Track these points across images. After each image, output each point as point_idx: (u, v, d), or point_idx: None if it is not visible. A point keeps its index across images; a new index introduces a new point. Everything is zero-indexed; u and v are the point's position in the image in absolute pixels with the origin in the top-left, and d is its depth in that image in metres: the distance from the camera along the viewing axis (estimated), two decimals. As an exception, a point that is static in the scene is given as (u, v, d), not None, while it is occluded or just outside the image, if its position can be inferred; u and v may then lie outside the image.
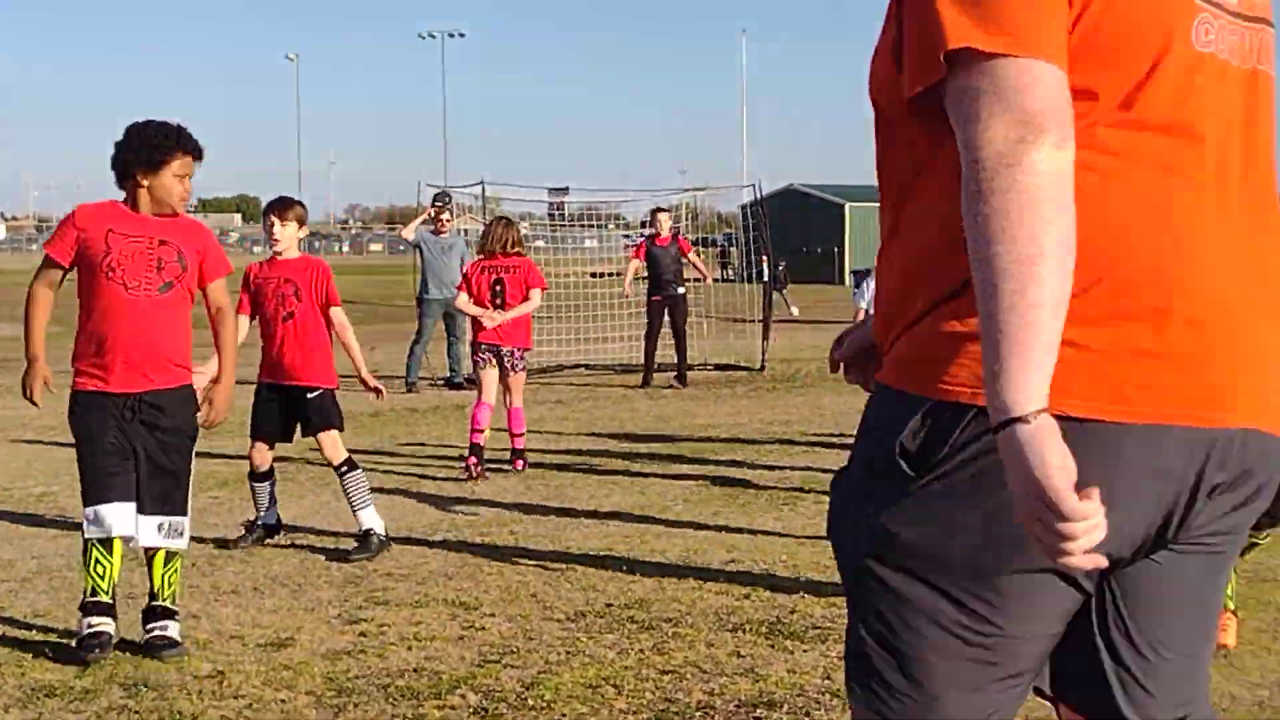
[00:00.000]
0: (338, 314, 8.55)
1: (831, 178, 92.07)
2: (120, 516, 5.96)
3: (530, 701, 5.35)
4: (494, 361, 11.46)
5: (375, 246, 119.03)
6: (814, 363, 23.49)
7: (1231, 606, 6.01)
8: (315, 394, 8.37)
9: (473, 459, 11.03)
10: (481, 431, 11.17)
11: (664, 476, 11.10)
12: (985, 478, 2.14)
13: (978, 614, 2.24)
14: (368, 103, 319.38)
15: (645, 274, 19.62)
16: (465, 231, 22.31)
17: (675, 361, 19.41)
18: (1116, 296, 2.13)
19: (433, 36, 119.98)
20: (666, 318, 18.97)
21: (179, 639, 6.15)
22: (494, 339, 11.41)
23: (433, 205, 19.15)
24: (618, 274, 27.21)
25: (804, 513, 9.36)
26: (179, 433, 6.15)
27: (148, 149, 6.06)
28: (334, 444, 8.40)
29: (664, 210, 20.26)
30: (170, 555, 6.28)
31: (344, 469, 8.28)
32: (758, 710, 5.24)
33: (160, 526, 6.13)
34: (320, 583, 7.41)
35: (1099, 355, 2.13)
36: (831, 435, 13.64)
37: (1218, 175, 2.23)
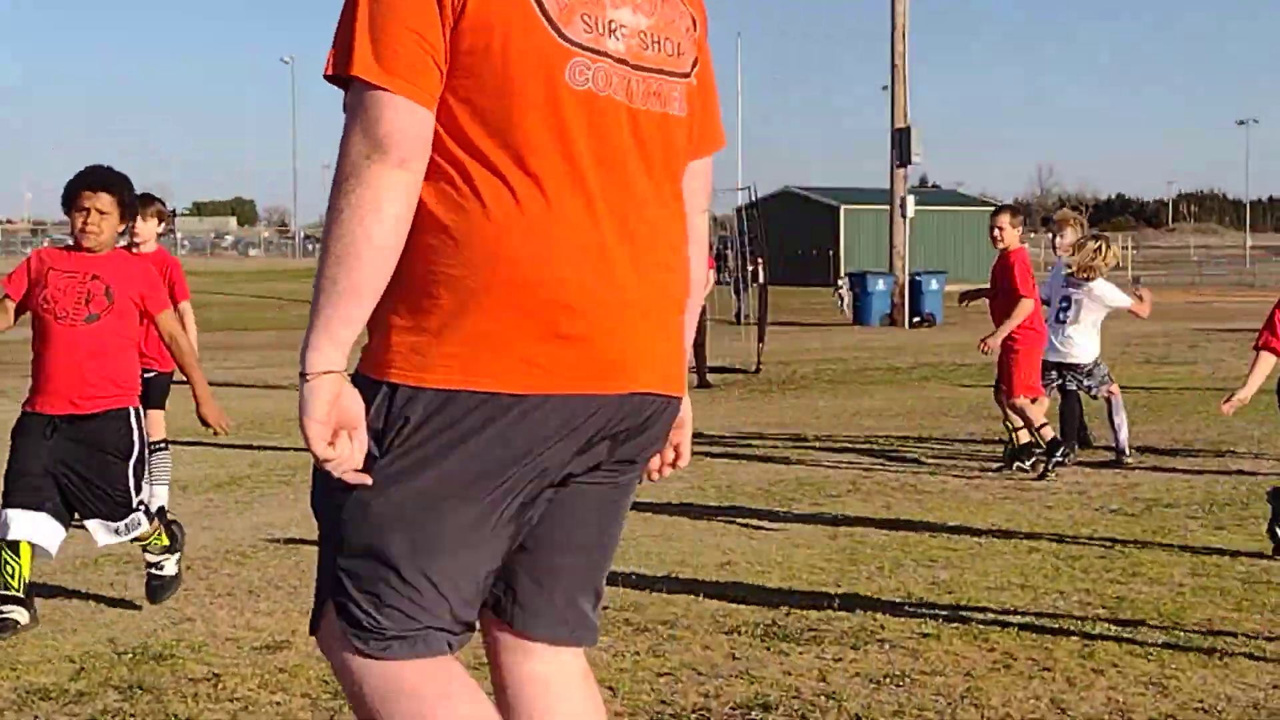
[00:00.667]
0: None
1: (827, 180, 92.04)
2: (22, 522, 6.27)
3: (526, 704, 5.34)
4: None
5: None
6: (809, 364, 23.51)
7: None
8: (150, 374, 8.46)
9: None
10: None
11: (658, 479, 11.08)
12: (419, 443, 2.68)
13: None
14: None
15: None
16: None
17: (694, 366, 19.56)
18: (514, 294, 2.62)
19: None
20: None
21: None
22: None
23: None
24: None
25: (799, 515, 9.37)
26: (103, 451, 6.46)
27: (64, 192, 6.56)
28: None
29: None
30: (141, 540, 6.70)
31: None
32: (753, 712, 5.24)
33: (109, 528, 6.53)
34: (315, 585, 7.39)
35: (504, 340, 2.63)
36: (826, 437, 13.65)
37: (600, 191, 2.69)
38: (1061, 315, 11.64)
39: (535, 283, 2.63)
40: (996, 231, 11.41)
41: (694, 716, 5.21)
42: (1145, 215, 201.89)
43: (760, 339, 22.43)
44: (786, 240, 59.54)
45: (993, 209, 11.74)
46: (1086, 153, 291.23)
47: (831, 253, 65.26)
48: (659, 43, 2.83)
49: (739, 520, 9.19)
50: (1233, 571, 7.49)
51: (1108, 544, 8.24)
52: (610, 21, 2.72)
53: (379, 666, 2.76)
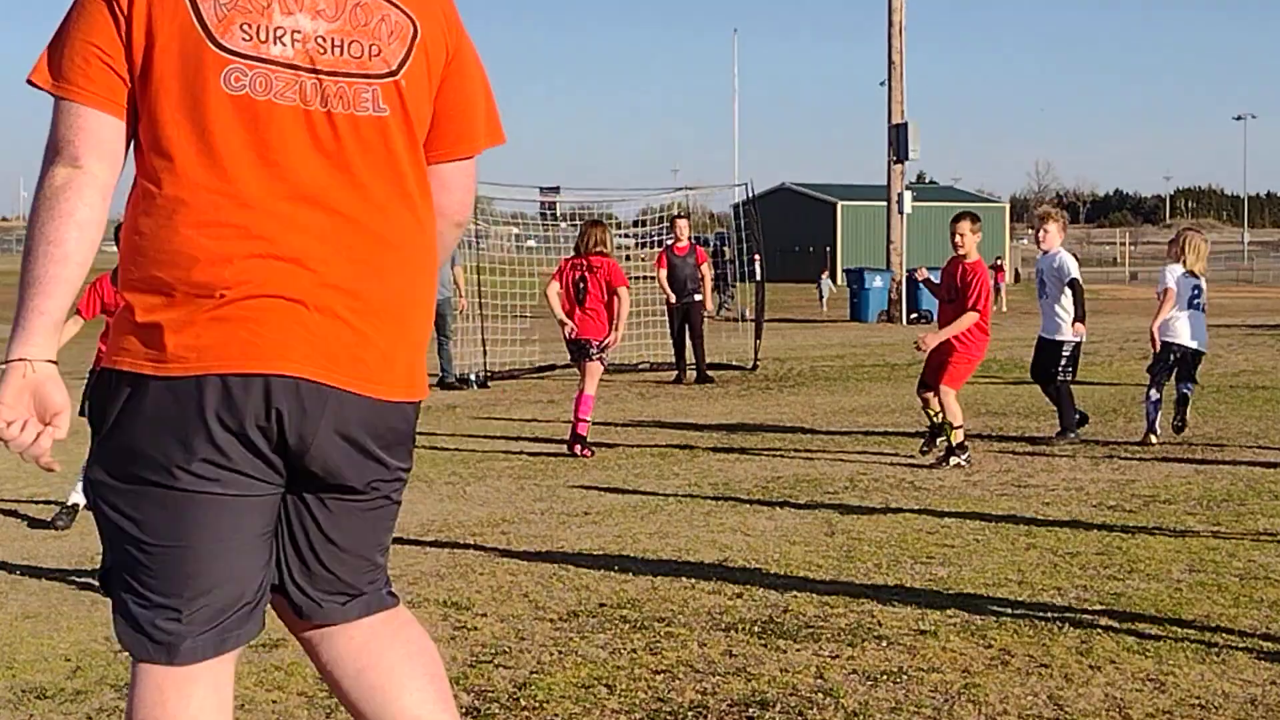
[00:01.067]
0: None
1: (824, 177, 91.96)
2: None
3: (522, 702, 5.34)
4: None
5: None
6: (806, 361, 23.51)
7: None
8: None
9: (578, 445, 12.32)
10: (585, 421, 12.35)
11: (656, 475, 11.10)
12: (121, 424, 2.88)
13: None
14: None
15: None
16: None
17: (694, 362, 19.77)
18: (175, 283, 2.81)
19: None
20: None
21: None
22: (578, 335, 12.52)
23: None
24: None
25: (795, 511, 9.36)
26: None
27: None
28: None
29: (683, 218, 20.63)
30: None
31: None
32: (750, 710, 5.23)
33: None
34: (312, 583, 7.39)
35: (171, 325, 2.82)
36: (823, 433, 13.64)
37: (261, 187, 2.86)
38: (1195, 302, 12.63)
39: (193, 272, 2.83)
40: (958, 238, 11.67)
41: (691, 714, 5.20)
42: (1143, 211, 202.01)
43: (757, 335, 22.43)
44: (784, 237, 59.56)
45: (958, 214, 11.96)
46: (1084, 148, 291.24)
47: (828, 249, 65.29)
48: (342, 47, 2.95)
49: (736, 517, 9.19)
50: (1230, 568, 7.48)
51: (1105, 540, 8.23)
52: (277, 29, 2.89)
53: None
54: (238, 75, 2.85)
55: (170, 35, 2.84)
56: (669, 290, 19.73)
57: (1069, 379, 12.97)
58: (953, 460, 11.38)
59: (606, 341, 12.48)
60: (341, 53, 2.95)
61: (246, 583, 3.04)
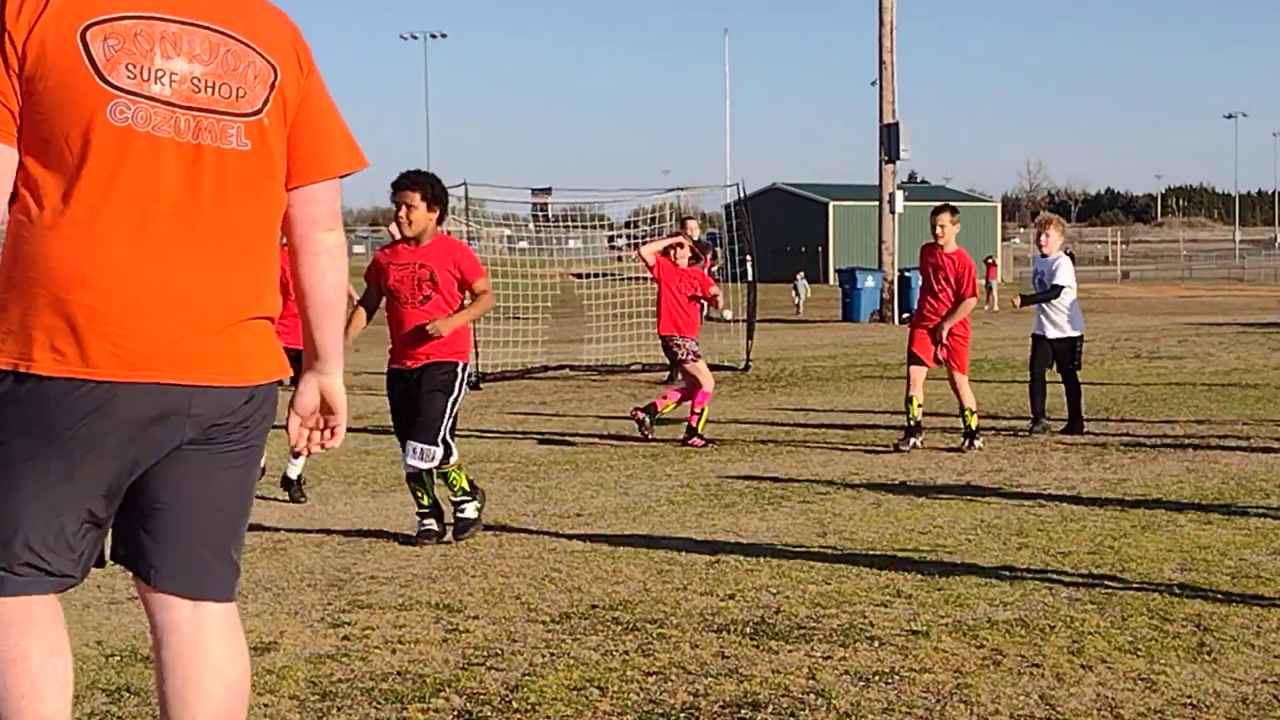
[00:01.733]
0: None
1: (815, 177, 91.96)
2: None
3: (515, 704, 5.33)
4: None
5: (358, 248, 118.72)
6: (798, 362, 23.51)
7: None
8: None
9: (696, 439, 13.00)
10: (698, 414, 13.18)
11: (648, 477, 11.10)
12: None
13: None
14: (350, 103, 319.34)
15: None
16: (447, 232, 22.29)
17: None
18: (45, 292, 3.18)
19: (414, 37, 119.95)
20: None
21: (474, 516, 8.70)
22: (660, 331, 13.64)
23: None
24: (601, 274, 27.19)
25: (788, 512, 9.36)
26: (433, 390, 8.60)
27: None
28: None
29: (691, 218, 20.67)
30: (441, 472, 8.69)
31: None
32: (742, 711, 5.23)
33: (414, 450, 8.53)
34: (304, 586, 7.38)
35: (42, 330, 3.19)
36: (815, 434, 13.64)
37: (132, 209, 3.23)
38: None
39: (62, 285, 3.20)
40: (939, 229, 12.49)
41: (683, 715, 5.19)
42: (1134, 210, 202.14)
43: (749, 336, 22.44)
44: (775, 237, 59.54)
45: (939, 206, 13.07)
46: (1076, 147, 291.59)
47: (820, 249, 65.31)
48: (214, 87, 3.36)
49: (728, 518, 9.19)
50: (1222, 566, 7.49)
51: (1097, 539, 8.24)
52: (157, 70, 3.28)
53: None
54: (122, 109, 3.24)
55: (63, 70, 3.20)
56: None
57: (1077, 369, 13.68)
58: (976, 443, 12.32)
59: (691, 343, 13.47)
60: (213, 93, 3.36)
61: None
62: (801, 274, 47.53)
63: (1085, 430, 13.33)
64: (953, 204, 13.15)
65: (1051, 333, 13.56)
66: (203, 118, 3.33)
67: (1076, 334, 13.57)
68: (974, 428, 12.41)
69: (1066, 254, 13.61)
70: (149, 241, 3.26)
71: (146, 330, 3.27)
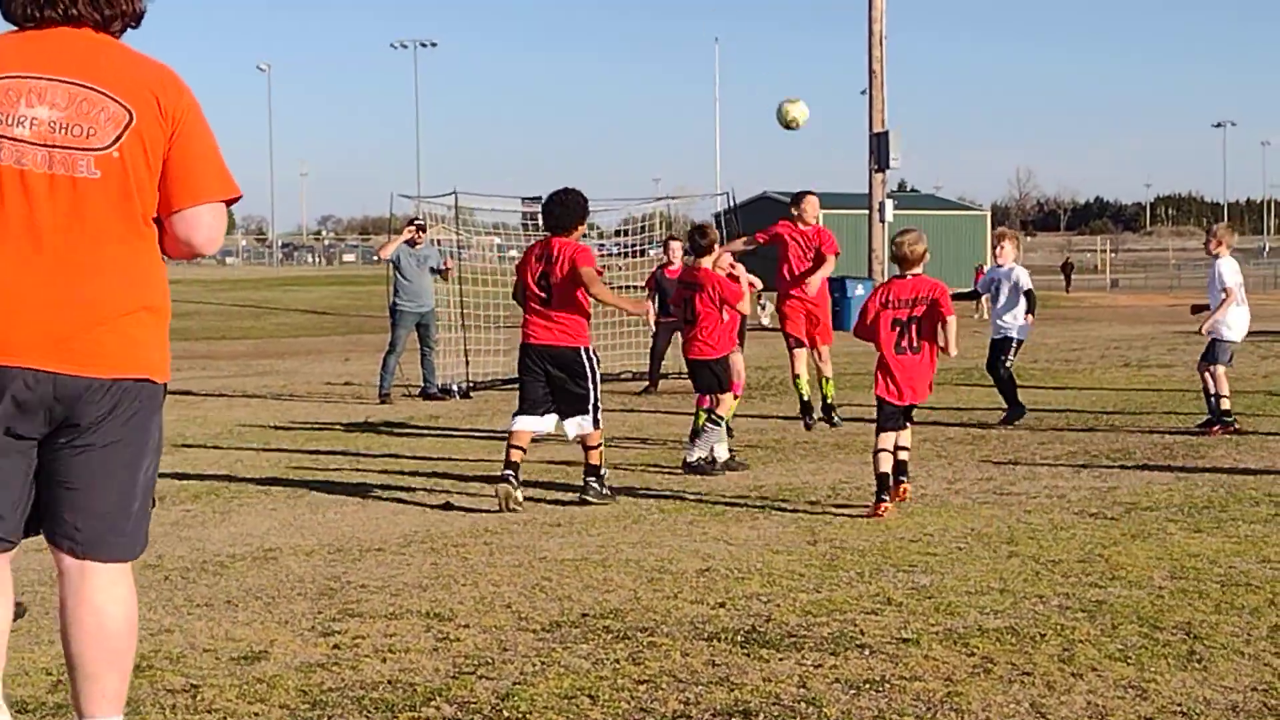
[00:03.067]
0: None
1: (805, 185, 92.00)
2: (529, 422, 10.47)
3: (505, 713, 5.33)
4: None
5: (349, 257, 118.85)
6: (787, 369, 23.49)
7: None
8: None
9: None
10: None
11: (638, 485, 11.10)
12: None
13: None
14: (341, 113, 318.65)
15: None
16: (438, 242, 22.32)
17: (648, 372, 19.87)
18: None
19: (405, 46, 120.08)
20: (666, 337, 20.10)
21: (597, 493, 10.28)
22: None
23: (410, 226, 19.50)
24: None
25: (778, 520, 9.36)
26: (570, 369, 10.39)
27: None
28: None
29: (676, 239, 20.76)
30: (588, 443, 10.42)
31: None
32: (733, 719, 5.23)
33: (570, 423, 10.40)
34: (294, 595, 7.38)
35: None
36: (805, 442, 13.65)
37: (21, 233, 4.11)
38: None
39: None
40: (805, 209, 14.92)
41: (674, 724, 5.19)
42: (1124, 218, 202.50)
43: (740, 345, 22.41)
44: (766, 246, 59.48)
45: (804, 194, 13.81)
46: (1065, 156, 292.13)
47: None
48: (68, 129, 4.18)
49: (718, 526, 9.19)
50: (1211, 574, 7.50)
51: (1087, 547, 8.25)
52: (21, 116, 4.16)
53: None
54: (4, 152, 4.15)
55: None
56: (653, 310, 19.86)
57: (1010, 367, 15.33)
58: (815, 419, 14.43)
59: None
60: (66, 133, 4.18)
61: None
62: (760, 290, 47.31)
63: (1027, 412, 15.00)
64: (814, 191, 15.44)
65: (996, 335, 15.39)
66: (55, 152, 4.16)
67: (1018, 337, 15.32)
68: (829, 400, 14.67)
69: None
70: (18, 248, 4.13)
71: (19, 322, 4.12)
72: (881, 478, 9.67)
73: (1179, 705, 5.31)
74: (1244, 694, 5.45)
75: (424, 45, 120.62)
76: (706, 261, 12.56)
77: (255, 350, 32.99)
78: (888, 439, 9.85)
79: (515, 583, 7.57)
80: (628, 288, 25.07)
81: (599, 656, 6.08)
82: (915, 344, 9.90)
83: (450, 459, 12.98)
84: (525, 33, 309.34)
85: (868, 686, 5.58)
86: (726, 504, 10.07)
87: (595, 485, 10.30)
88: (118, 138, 4.20)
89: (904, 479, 9.99)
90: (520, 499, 9.98)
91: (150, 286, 4.30)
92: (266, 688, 5.68)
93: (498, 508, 9.90)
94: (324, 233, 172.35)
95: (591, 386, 10.27)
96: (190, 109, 4.34)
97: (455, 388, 19.93)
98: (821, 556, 8.15)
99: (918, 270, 10.11)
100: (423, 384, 19.62)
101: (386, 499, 10.58)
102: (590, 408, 10.28)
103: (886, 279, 11.59)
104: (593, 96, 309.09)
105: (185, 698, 5.57)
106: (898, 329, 9.92)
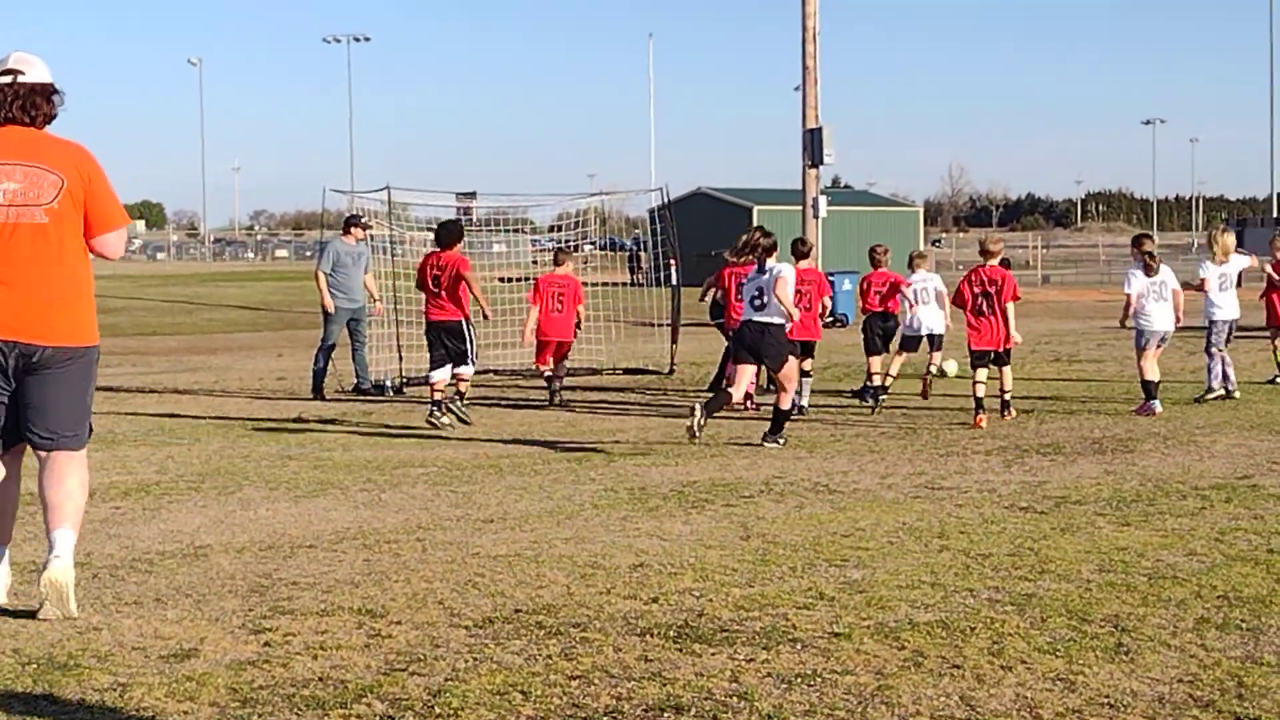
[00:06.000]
0: None
1: (740, 181, 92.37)
2: (440, 373, 15.46)
3: (437, 709, 5.31)
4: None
5: (281, 253, 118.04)
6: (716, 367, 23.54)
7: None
8: None
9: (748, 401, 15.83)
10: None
11: (572, 481, 11.09)
12: None
13: None
14: (273, 107, 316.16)
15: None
16: (372, 237, 22.24)
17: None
18: None
19: (338, 40, 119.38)
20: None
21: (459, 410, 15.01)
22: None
23: (356, 225, 19.80)
24: (526, 278, 27.14)
25: (711, 516, 9.38)
26: (456, 333, 15.56)
27: None
28: None
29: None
30: (460, 377, 15.65)
31: None
32: (665, 714, 5.24)
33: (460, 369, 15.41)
34: (225, 593, 7.32)
35: None
36: (739, 438, 13.68)
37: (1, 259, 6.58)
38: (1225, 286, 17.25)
39: None
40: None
41: (606, 719, 5.20)
42: (1054, 214, 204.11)
43: (674, 340, 22.46)
44: (700, 241, 59.63)
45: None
46: (997, 152, 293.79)
47: (745, 253, 65.46)
48: (25, 193, 6.61)
49: (651, 522, 9.20)
50: (1139, 567, 7.58)
51: (1017, 541, 8.32)
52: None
53: None
54: None
55: None
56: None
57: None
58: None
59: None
60: (23, 195, 6.62)
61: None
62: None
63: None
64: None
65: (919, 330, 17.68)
66: (20, 209, 6.61)
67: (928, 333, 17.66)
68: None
69: (1003, 261, 16.28)
70: (1, 269, 6.60)
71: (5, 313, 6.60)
72: (978, 400, 14.64)
73: (1106, 697, 5.37)
74: (1170, 685, 5.51)
75: (357, 40, 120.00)
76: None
77: (187, 346, 32.73)
78: (981, 374, 14.87)
79: (448, 579, 7.55)
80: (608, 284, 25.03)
81: (531, 652, 6.07)
82: (990, 309, 14.99)
83: (383, 456, 12.93)
84: (458, 29, 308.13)
85: (799, 680, 5.60)
86: (660, 500, 10.09)
87: (459, 406, 15.37)
88: (56, 195, 6.65)
89: (999, 411, 15.01)
90: (445, 422, 14.93)
91: (84, 284, 6.82)
92: (196, 686, 5.64)
93: (429, 427, 14.81)
94: (256, 228, 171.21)
95: (468, 344, 15.57)
96: (96, 171, 6.80)
97: (388, 384, 19.86)
98: (754, 551, 8.17)
99: (994, 261, 15.33)
100: (355, 380, 19.54)
101: (319, 495, 10.53)
102: (468, 359, 15.61)
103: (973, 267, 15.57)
104: (528, 92, 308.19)
105: (114, 696, 5.52)
106: (982, 300, 15.07)
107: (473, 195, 30.11)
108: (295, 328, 39.34)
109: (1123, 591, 7.03)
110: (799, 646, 6.09)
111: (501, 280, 28.49)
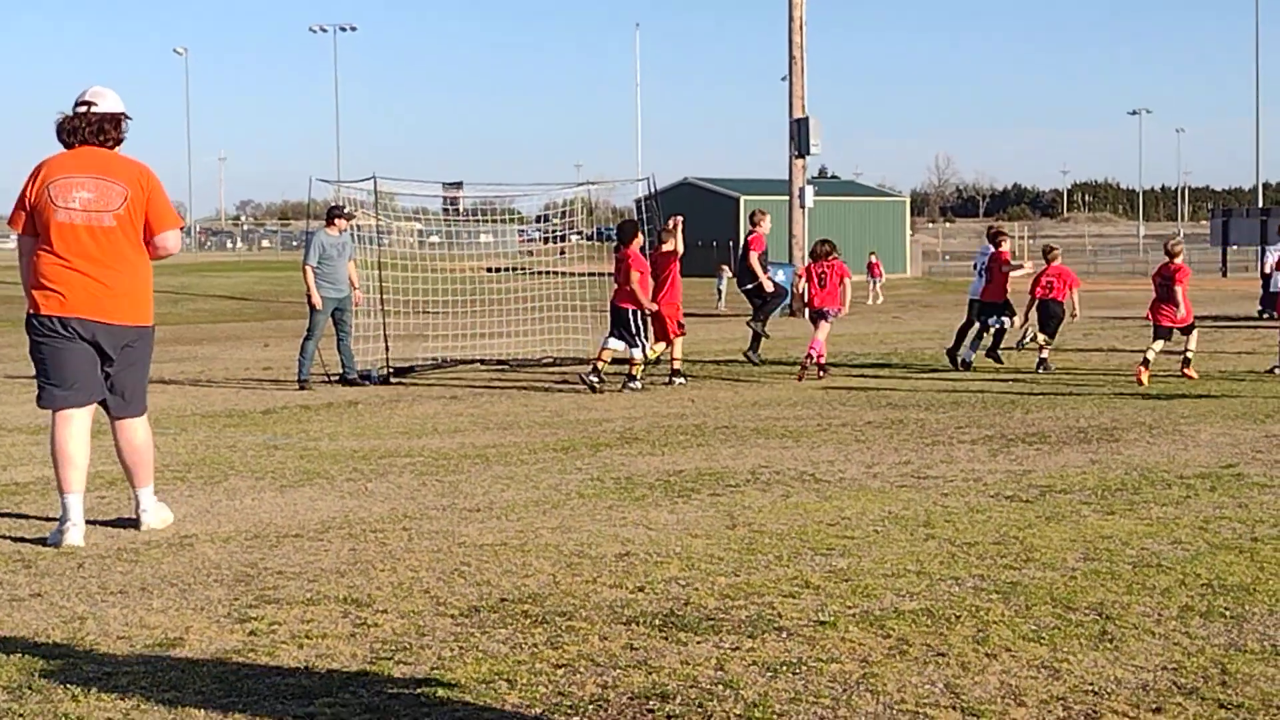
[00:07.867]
0: None
1: (727, 171, 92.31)
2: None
3: (423, 698, 5.32)
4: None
5: (267, 243, 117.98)
6: (708, 355, 23.57)
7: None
8: None
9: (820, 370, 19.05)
10: (816, 353, 19.09)
11: (559, 470, 11.09)
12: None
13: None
14: (259, 97, 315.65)
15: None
16: (358, 227, 22.22)
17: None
18: (41, 281, 8.37)
19: (324, 30, 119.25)
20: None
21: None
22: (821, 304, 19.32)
23: (340, 216, 19.79)
24: (513, 268, 27.13)
25: (697, 505, 9.39)
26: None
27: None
28: None
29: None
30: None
31: None
32: (650, 702, 5.25)
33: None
34: (210, 582, 7.32)
35: (41, 295, 8.36)
36: (725, 427, 13.69)
37: (70, 253, 8.29)
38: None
39: (46, 279, 8.30)
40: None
41: (591, 707, 5.20)
42: (1041, 205, 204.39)
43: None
44: (687, 231, 59.60)
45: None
46: (984, 143, 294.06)
47: (732, 243, 65.44)
48: (97, 200, 8.24)
49: (638, 511, 9.20)
50: (1124, 556, 7.60)
51: (1002, 530, 8.33)
52: (75, 196, 8.24)
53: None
54: (63, 213, 8.23)
55: (41, 200, 8.27)
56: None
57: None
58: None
59: (838, 310, 19.27)
60: (96, 203, 8.23)
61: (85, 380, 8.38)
62: (726, 269, 46.30)
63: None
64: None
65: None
66: (92, 214, 8.24)
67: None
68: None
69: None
70: (79, 262, 8.24)
71: (81, 298, 8.26)
72: (1146, 360, 17.51)
73: (1091, 684, 5.38)
74: (1154, 673, 5.52)
75: (343, 29, 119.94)
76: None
77: (173, 336, 32.67)
78: (1158, 345, 18.14)
79: (433, 568, 7.55)
80: (552, 273, 25.01)
81: (517, 641, 6.08)
82: (1167, 297, 18.28)
83: (369, 445, 12.92)
84: (444, 18, 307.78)
85: (784, 669, 5.61)
86: (646, 489, 10.09)
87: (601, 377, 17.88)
88: (121, 204, 8.28)
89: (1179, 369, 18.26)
90: (594, 381, 17.88)
91: (145, 276, 8.51)
92: (181, 674, 5.63)
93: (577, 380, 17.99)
94: (243, 218, 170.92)
95: (634, 331, 18.02)
96: (154, 183, 8.42)
97: (374, 373, 19.85)
98: (740, 540, 8.18)
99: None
100: (341, 370, 19.53)
101: (304, 485, 10.52)
102: (636, 344, 18.03)
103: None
104: (515, 81, 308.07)
105: (99, 685, 5.51)
106: (1162, 288, 18.52)
107: (459, 185, 30.11)
108: (281, 318, 39.30)
109: (1107, 579, 7.05)
110: (784, 635, 6.10)
111: (488, 270, 28.47)
